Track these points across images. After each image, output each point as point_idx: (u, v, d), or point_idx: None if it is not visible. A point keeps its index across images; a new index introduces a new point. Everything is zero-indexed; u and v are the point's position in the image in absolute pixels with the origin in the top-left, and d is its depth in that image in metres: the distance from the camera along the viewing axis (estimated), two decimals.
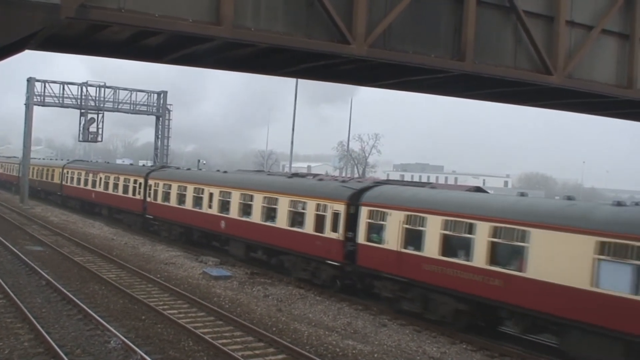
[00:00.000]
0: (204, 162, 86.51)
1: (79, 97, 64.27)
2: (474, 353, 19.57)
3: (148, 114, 70.13)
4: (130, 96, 67.25)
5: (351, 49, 13.16)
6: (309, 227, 26.68)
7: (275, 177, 33.99)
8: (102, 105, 65.24)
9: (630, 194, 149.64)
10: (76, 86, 64.49)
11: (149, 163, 73.68)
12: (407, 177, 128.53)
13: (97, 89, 65.06)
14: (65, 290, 23.28)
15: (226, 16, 11.87)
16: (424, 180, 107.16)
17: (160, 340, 18.45)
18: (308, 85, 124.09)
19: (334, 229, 25.33)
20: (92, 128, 65.31)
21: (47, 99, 63.46)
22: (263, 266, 30.53)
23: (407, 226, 22.28)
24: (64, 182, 59.34)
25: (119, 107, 66.90)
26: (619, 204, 17.91)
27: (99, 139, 67.47)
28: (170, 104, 70.33)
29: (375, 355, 18.27)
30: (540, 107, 22.22)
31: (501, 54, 15.28)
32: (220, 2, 11.89)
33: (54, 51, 15.47)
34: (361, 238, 24.05)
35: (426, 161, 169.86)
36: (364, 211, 24.06)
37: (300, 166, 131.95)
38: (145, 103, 68.47)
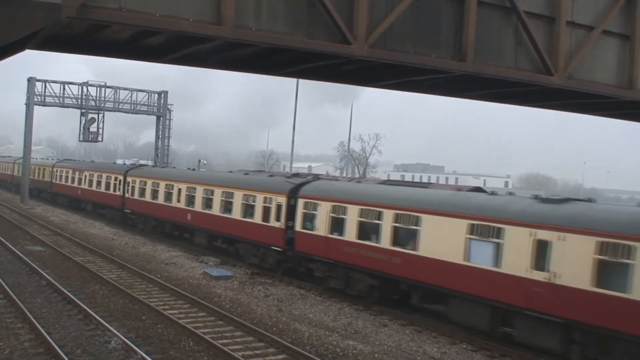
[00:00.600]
0: (205, 162, 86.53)
1: (80, 97, 64.28)
2: (474, 353, 19.57)
3: (149, 114, 70.14)
4: (131, 96, 67.28)
5: (352, 49, 13.15)
6: (257, 218, 30.20)
7: (233, 174, 38.35)
8: (102, 105, 65.25)
9: (631, 195, 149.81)
10: (77, 86, 64.51)
11: (150, 162, 73.63)
12: (408, 177, 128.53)
13: (98, 88, 65.11)
14: (65, 291, 23.29)
15: (227, 16, 11.87)
16: (425, 180, 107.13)
17: (161, 340, 18.45)
18: (313, 86, 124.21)
19: (277, 218, 28.77)
20: (93, 128, 65.34)
21: (48, 99, 63.48)
22: (224, 254, 33.32)
23: (332, 215, 25.66)
24: (53, 180, 63.01)
25: (120, 107, 66.90)
26: (492, 193, 22.33)
27: (100, 139, 67.48)
28: (171, 104, 70.40)
29: (376, 356, 18.27)
30: (541, 108, 22.21)
31: (502, 55, 15.28)
32: (221, 2, 11.89)
33: (54, 51, 15.46)
34: (298, 226, 27.44)
35: (427, 161, 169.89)
36: (300, 203, 27.49)
37: (300, 166, 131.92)
38: (146, 103, 68.47)
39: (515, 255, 18.82)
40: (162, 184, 40.16)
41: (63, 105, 64.68)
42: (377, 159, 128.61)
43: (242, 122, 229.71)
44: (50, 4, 10.61)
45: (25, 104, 63.05)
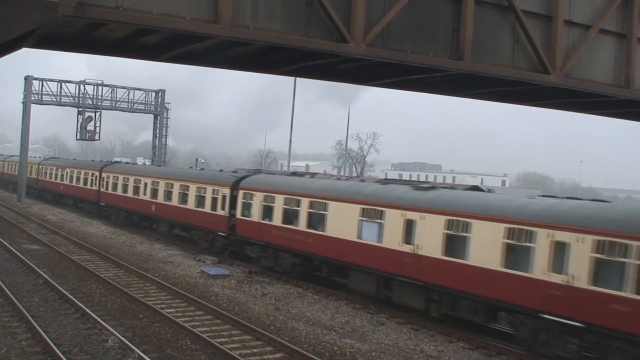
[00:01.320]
0: (202, 160, 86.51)
1: (77, 95, 64.20)
2: (471, 351, 19.59)
3: (146, 113, 70.04)
4: (128, 94, 67.21)
5: (349, 48, 13.15)
6: (207, 207, 34.75)
7: (191, 170, 46.43)
8: (99, 103, 65.18)
9: (628, 193, 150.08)
10: (74, 84, 64.42)
11: (147, 162, 73.66)
12: (406, 176, 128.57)
13: (95, 87, 64.99)
14: (62, 289, 23.27)
15: (224, 15, 11.86)
16: (422, 179, 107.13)
17: (158, 339, 18.45)
18: (314, 84, 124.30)
19: (223, 208, 33.23)
20: (90, 126, 65.28)
21: (45, 97, 63.40)
22: (184, 241, 37.61)
23: (264, 203, 29.98)
24: (39, 177, 67.66)
25: (117, 105, 66.84)
26: (386, 181, 28.02)
27: (97, 137, 67.42)
28: (168, 103, 70.37)
29: (373, 354, 18.28)
30: (539, 107, 22.24)
31: (499, 54, 15.29)
32: (219, 0, 11.88)
33: (51, 49, 15.45)
34: (238, 214, 31.82)
35: (424, 160, 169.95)
36: (240, 193, 31.90)
37: (298, 165, 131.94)
38: (143, 101, 68.40)
39: (391, 232, 23.08)
40: (131, 179, 45.02)
41: (60, 104, 64.62)
42: (375, 157, 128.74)
43: (245, 122, 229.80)
44: (47, 2, 10.59)
45: (22, 103, 62.99)
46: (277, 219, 28.92)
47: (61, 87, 63.93)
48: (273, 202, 29.29)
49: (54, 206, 59.09)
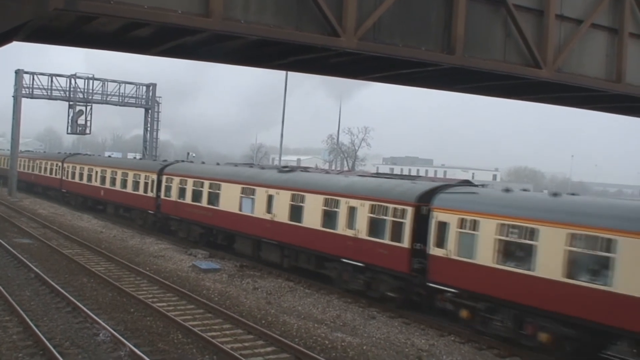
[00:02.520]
0: (193, 154, 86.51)
1: (68, 89, 63.97)
2: (462, 345, 19.68)
3: (137, 107, 69.92)
4: (119, 88, 67.02)
5: (341, 42, 13.12)
6: (141, 190, 41.83)
7: (130, 160, 57.13)
8: (90, 97, 64.98)
9: (618, 188, 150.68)
10: (65, 78, 64.21)
11: (138, 156, 73.55)
12: (397, 170, 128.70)
13: (86, 81, 64.81)
14: (53, 283, 23.25)
15: (215, 8, 11.81)
16: (414, 173, 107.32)
17: (149, 332, 18.47)
18: (309, 78, 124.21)
19: (151, 190, 40.17)
20: (81, 120, 65.10)
21: (36, 91, 63.18)
22: (127, 219, 44.66)
23: (180, 186, 36.95)
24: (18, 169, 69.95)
25: (108, 99, 66.65)
26: (290, 170, 32.14)
27: (88, 131, 67.27)
28: (159, 97, 70.20)
29: (364, 348, 18.33)
30: (530, 101, 22.24)
31: (491, 48, 15.28)
32: None
33: (42, 42, 15.35)
34: (162, 195, 38.83)
35: (416, 155, 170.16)
36: (164, 178, 39.04)
37: (290, 159, 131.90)
38: (134, 95, 68.23)
39: (259, 205, 29.90)
40: (86, 168, 52.36)
41: (51, 98, 64.44)
42: (366, 152, 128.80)
43: (244, 119, 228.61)
44: None
45: (13, 97, 62.80)
46: (188, 198, 36.19)
47: (52, 80, 63.73)
48: (186, 185, 36.54)
49: (44, 200, 59.01)
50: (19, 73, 62.01)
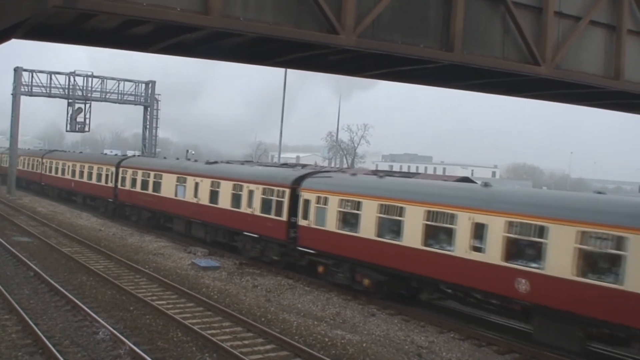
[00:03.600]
0: (193, 152, 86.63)
1: (67, 86, 63.91)
2: (461, 342, 19.69)
3: (136, 104, 69.86)
4: (118, 86, 66.98)
5: (340, 39, 13.11)
6: (103, 182, 48.29)
7: (95, 155, 66.34)
8: (89, 95, 64.92)
9: (617, 185, 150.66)
10: (64, 76, 64.12)
11: (137, 154, 73.51)
12: (396, 168, 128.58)
13: (85, 78, 64.72)
14: (53, 282, 23.24)
15: (214, 6, 11.80)
16: (413, 170, 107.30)
17: (149, 331, 18.47)
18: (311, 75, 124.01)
19: (111, 181, 46.61)
20: (80, 118, 65.04)
21: (35, 89, 63.10)
22: (92, 208, 50.33)
23: (132, 177, 43.42)
24: (1, 164, 75.44)
25: (107, 97, 66.59)
26: (214, 162, 37.54)
27: (87, 129, 67.20)
28: (159, 94, 70.15)
29: (364, 345, 18.34)
30: (529, 98, 22.25)
31: (490, 45, 15.28)
32: None
33: (41, 40, 15.33)
34: (119, 185, 45.40)
35: (415, 152, 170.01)
36: (120, 170, 45.62)
37: (289, 157, 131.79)
38: (133, 93, 68.17)
39: (189, 191, 35.99)
40: (60, 163, 58.53)
41: (50, 95, 64.34)
42: (366, 149, 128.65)
43: (250, 117, 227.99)
44: None
45: (12, 94, 62.71)
46: (137, 187, 42.47)
47: (51, 78, 63.64)
48: (136, 176, 42.78)
49: (44, 198, 59.01)
50: (17, 70, 61.88)
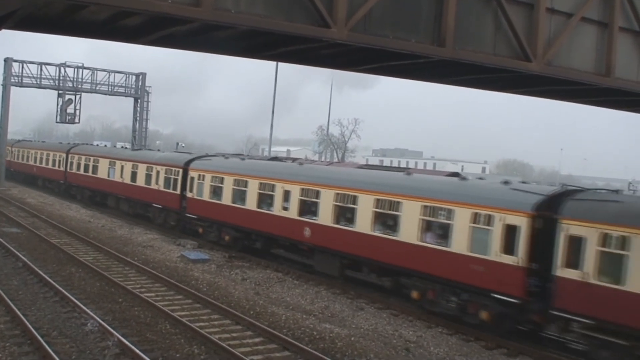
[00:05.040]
0: (183, 144, 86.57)
1: (57, 77, 63.63)
2: (449, 337, 19.76)
3: (126, 96, 69.61)
4: (109, 77, 66.71)
5: (332, 33, 13.09)
6: (56, 166, 55.85)
7: (51, 143, 70.57)
8: (79, 86, 64.65)
9: (607, 181, 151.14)
10: (54, 67, 63.85)
11: (127, 145, 73.33)
12: (387, 162, 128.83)
13: (75, 69, 64.44)
14: (42, 273, 23.19)
15: None
16: (403, 165, 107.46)
17: (137, 323, 18.46)
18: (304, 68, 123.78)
19: (62, 166, 54.02)
20: (70, 109, 64.77)
21: (25, 80, 62.79)
22: (51, 189, 57.53)
23: (78, 162, 50.94)
24: None
25: (97, 88, 66.32)
26: (139, 149, 51.13)
27: (77, 120, 66.92)
28: (149, 86, 69.92)
29: (352, 339, 18.38)
30: (520, 94, 22.28)
31: (481, 41, 15.28)
32: None
33: (31, 31, 15.25)
34: (68, 169, 52.65)
35: (406, 147, 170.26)
36: (69, 156, 52.61)
37: (279, 150, 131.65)
38: (124, 85, 67.94)
39: (117, 172, 43.49)
40: (26, 151, 65.86)
41: (40, 86, 64.05)
42: (356, 143, 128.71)
43: (248, 111, 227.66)
44: None
45: (2, 85, 62.37)
46: (82, 170, 50.21)
47: (41, 69, 63.35)
48: (81, 161, 50.45)
49: (33, 189, 58.80)
50: (7, 61, 61.56)
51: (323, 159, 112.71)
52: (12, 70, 61.66)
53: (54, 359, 14.91)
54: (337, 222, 24.92)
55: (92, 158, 48.99)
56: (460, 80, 19.92)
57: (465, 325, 20.42)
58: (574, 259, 17.62)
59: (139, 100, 69.38)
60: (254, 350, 16.90)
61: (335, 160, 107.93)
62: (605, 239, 17.06)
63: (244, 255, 29.92)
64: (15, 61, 62.06)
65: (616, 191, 20.42)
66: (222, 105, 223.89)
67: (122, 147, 72.26)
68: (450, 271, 20.50)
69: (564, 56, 16.39)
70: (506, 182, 21.17)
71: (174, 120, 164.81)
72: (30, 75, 62.86)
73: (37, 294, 20.94)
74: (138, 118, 69.99)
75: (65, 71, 63.95)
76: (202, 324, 18.58)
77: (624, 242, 16.72)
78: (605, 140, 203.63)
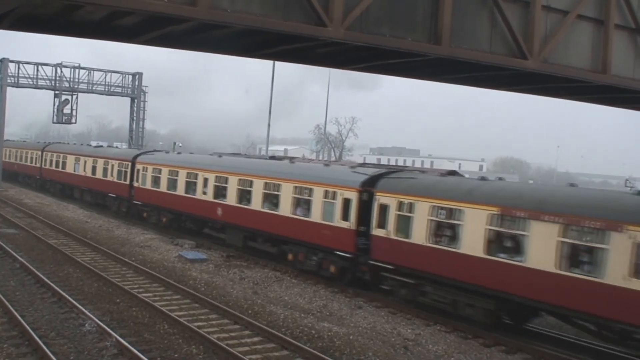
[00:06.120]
0: (180, 144, 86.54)
1: (54, 78, 63.51)
2: (447, 334, 19.77)
3: (123, 96, 69.42)
4: (105, 77, 66.60)
5: (328, 31, 13.10)
6: (33, 163, 61.65)
7: (29, 143, 78.88)
8: (76, 86, 64.55)
9: (604, 178, 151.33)
10: (51, 67, 63.71)
11: (125, 146, 73.26)
12: (384, 161, 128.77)
13: (72, 70, 64.32)
14: (39, 273, 23.15)
15: None
16: (400, 163, 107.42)
17: (135, 323, 18.43)
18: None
19: (37, 163, 60.01)
20: (67, 110, 64.66)
21: (22, 80, 62.65)
22: (29, 184, 63.84)
23: (51, 158, 56.48)
24: None
25: (94, 88, 66.21)
26: (99, 146, 62.95)
27: (73, 120, 66.76)
28: (146, 86, 69.79)
29: (351, 337, 18.37)
30: (516, 92, 22.31)
31: (477, 39, 15.30)
32: None
33: (27, 31, 15.25)
34: (43, 165, 58.21)
35: (403, 145, 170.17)
36: (43, 154, 58.47)
37: (277, 149, 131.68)
38: (120, 84, 67.84)
39: (81, 167, 49.04)
40: (13, 151, 69.99)
41: (36, 87, 63.87)
42: (354, 142, 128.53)
43: (251, 111, 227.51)
44: None
45: None
46: (53, 166, 55.79)
47: (38, 69, 63.21)
48: (53, 158, 56.32)
49: (30, 190, 58.77)
50: (4, 62, 61.29)
51: (320, 157, 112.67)
52: (9, 71, 61.50)
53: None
54: (240, 203, 30.20)
55: (61, 155, 54.71)
56: (457, 79, 19.94)
57: (344, 285, 24.60)
58: (382, 221, 22.72)
59: (135, 100, 69.29)
60: (253, 349, 16.89)
61: (333, 158, 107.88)
62: (400, 205, 22.13)
63: (242, 255, 29.92)
64: (12, 61, 61.80)
65: (423, 171, 25.93)
66: (224, 105, 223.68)
67: (117, 147, 72.32)
68: (311, 236, 25.61)
69: (560, 54, 16.41)
70: (352, 167, 26.87)
71: (174, 120, 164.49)
72: (27, 75, 62.68)
73: (35, 294, 20.91)
74: (135, 118, 69.88)
75: (61, 71, 63.83)
76: (200, 323, 18.57)
77: (411, 207, 21.76)
78: (603, 138, 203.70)
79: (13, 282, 22.31)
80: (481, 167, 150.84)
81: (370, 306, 22.38)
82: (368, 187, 23.63)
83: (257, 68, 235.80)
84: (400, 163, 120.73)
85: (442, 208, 20.75)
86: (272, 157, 36.16)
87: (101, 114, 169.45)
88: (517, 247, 18.60)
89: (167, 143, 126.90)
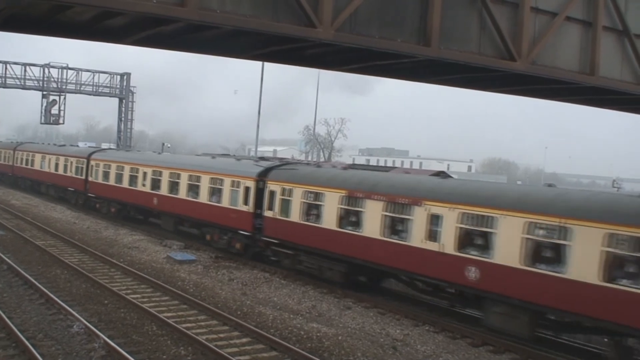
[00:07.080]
0: (169, 145, 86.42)
1: (41, 78, 63.23)
2: (436, 334, 19.82)
3: (111, 96, 69.29)
4: (93, 78, 66.39)
5: (318, 32, 13.09)
6: (6, 162, 65.46)
7: (8, 143, 77.15)
8: (64, 87, 64.29)
9: (591, 179, 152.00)
10: (38, 67, 63.44)
11: (112, 146, 73.04)
12: (373, 162, 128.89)
13: (60, 70, 64.08)
14: (27, 275, 23.05)
15: None
16: (389, 164, 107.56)
17: (124, 324, 18.39)
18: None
19: (10, 160, 64.08)
20: (54, 110, 64.41)
21: (9, 81, 62.35)
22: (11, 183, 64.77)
23: (22, 157, 60.45)
24: None
25: (82, 88, 65.98)
26: (63, 145, 60.34)
27: (61, 121, 66.52)
28: (134, 86, 69.65)
29: (340, 338, 18.39)
30: (505, 93, 22.37)
31: (466, 40, 15.33)
32: None
33: (15, 32, 15.17)
34: (15, 163, 62.21)
35: (392, 146, 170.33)
36: (18, 153, 61.83)
37: (266, 150, 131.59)
38: (109, 85, 67.64)
39: (46, 164, 54.01)
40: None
41: (24, 87, 63.59)
42: (343, 143, 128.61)
43: (244, 112, 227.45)
44: None
45: None
46: (24, 164, 59.73)
47: (25, 70, 62.92)
48: (24, 156, 59.94)
49: (18, 191, 58.47)
50: None
51: (310, 158, 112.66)
52: None
53: None
54: (171, 193, 35.02)
55: (30, 154, 59.10)
56: (446, 80, 19.97)
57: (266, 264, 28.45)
58: (271, 205, 27.57)
59: (124, 101, 69.10)
60: (242, 350, 16.87)
61: (322, 159, 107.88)
62: (283, 191, 26.98)
63: (231, 256, 29.89)
64: None
65: (319, 165, 32.45)
66: (218, 106, 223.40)
67: (106, 147, 72.40)
68: (222, 219, 30.47)
69: (548, 55, 16.47)
70: (255, 161, 32.56)
71: (168, 122, 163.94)
72: (14, 76, 62.41)
73: (22, 296, 20.82)
74: (123, 118, 69.70)
75: (49, 72, 63.58)
76: (189, 325, 18.54)
77: (290, 192, 26.55)
78: (591, 139, 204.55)
79: (0, 283, 22.20)
80: (470, 167, 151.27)
81: (359, 307, 22.40)
82: (263, 177, 28.63)
83: (256, 68, 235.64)
84: (390, 164, 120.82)
85: (310, 192, 25.69)
86: (262, 158, 36.13)
87: (89, 115, 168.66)
88: (357, 221, 23.51)
89: (157, 144, 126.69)
